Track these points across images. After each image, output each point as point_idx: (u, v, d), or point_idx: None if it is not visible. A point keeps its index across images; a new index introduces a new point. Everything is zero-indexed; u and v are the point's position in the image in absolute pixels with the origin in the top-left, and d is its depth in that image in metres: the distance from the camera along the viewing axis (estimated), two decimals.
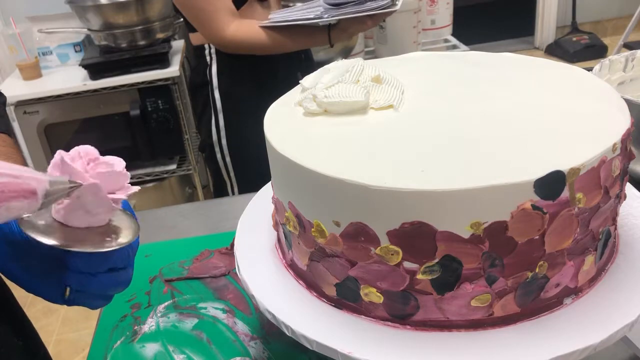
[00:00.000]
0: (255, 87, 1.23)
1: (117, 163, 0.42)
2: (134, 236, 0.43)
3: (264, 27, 1.13)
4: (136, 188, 0.44)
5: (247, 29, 1.14)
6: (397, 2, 1.06)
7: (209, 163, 1.36)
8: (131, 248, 0.46)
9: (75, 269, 0.44)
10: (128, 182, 0.43)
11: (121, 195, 0.42)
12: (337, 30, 1.13)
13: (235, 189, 1.34)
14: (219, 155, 1.29)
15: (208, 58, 1.24)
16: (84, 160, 0.41)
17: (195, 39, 1.25)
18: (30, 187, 0.35)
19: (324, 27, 1.14)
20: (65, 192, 0.39)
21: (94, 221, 0.42)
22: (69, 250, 0.41)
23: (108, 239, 0.42)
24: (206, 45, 1.23)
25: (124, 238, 0.43)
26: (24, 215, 0.38)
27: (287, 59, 1.22)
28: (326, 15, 1.07)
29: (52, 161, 0.41)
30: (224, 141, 1.27)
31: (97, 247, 0.41)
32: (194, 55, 1.29)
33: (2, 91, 0.71)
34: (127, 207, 0.47)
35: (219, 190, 1.38)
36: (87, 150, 0.42)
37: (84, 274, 0.44)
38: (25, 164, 0.60)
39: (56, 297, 0.46)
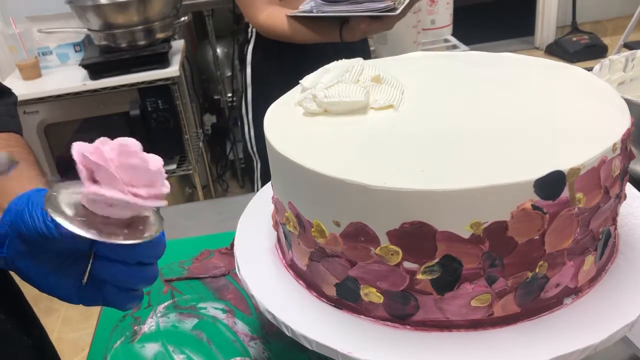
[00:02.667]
0: (285, 67, 1.28)
1: (152, 161, 0.41)
2: (156, 232, 0.42)
3: (290, 17, 1.16)
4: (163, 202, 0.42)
5: (276, 17, 1.18)
6: (398, 7, 1.06)
7: (241, 135, 1.44)
8: (161, 245, 0.45)
9: (105, 256, 0.43)
10: (163, 181, 0.42)
11: (144, 195, 0.40)
12: (347, 28, 1.15)
13: (259, 164, 1.39)
14: (245, 128, 1.37)
15: (249, 35, 1.30)
16: (113, 150, 0.40)
17: None
18: None
19: (337, 24, 1.16)
20: (5, 167, 0.38)
21: (114, 213, 0.41)
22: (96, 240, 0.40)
23: (133, 231, 0.41)
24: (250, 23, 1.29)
25: (147, 233, 0.42)
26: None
27: (317, 45, 1.24)
28: (315, 10, 1.09)
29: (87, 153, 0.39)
30: (250, 115, 1.34)
31: (127, 239, 0.40)
32: (243, 31, 1.37)
33: (13, 91, 0.70)
34: None
35: (248, 164, 1.44)
36: (126, 142, 0.41)
37: (114, 262, 0.43)
38: (38, 164, 0.60)
39: (71, 294, 0.45)
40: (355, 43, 1.25)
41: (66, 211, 0.40)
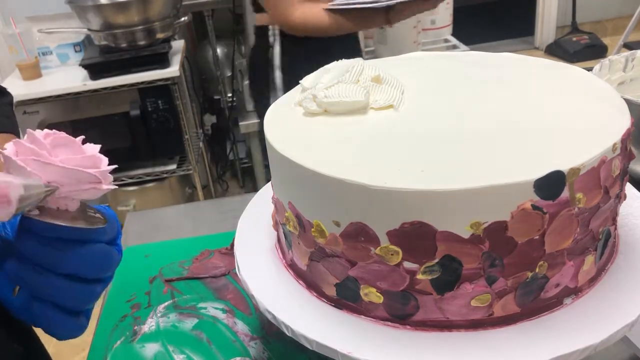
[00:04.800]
0: (314, 69, 1.29)
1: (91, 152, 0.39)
2: (95, 225, 0.38)
3: (328, 10, 1.19)
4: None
5: (312, 12, 1.21)
6: None
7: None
8: (88, 259, 0.39)
9: (22, 254, 0.37)
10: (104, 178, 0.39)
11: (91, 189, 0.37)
12: (394, 12, 1.18)
13: None
14: None
15: (271, 38, 1.32)
16: (49, 144, 0.37)
17: (260, 19, 1.33)
18: (3, 192, 0.32)
19: (382, 9, 1.19)
20: (42, 196, 0.35)
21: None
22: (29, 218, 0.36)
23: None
24: (270, 27, 1.30)
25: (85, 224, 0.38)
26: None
27: (343, 42, 1.28)
28: (357, 3, 1.14)
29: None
30: None
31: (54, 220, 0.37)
32: (256, 35, 1.38)
33: (8, 90, 0.69)
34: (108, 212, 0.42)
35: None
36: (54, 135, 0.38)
37: (32, 267, 0.37)
38: None
39: (15, 307, 0.40)
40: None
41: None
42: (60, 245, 0.38)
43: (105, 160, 0.39)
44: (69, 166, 0.37)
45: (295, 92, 0.58)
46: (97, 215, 0.41)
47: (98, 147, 0.39)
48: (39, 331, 0.64)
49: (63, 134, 0.38)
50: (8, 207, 0.33)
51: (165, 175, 2.01)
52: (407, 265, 0.43)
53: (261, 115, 1.40)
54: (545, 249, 0.42)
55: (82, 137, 0.39)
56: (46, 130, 0.39)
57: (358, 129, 0.49)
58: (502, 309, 0.44)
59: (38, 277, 0.37)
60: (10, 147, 0.37)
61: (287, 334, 0.47)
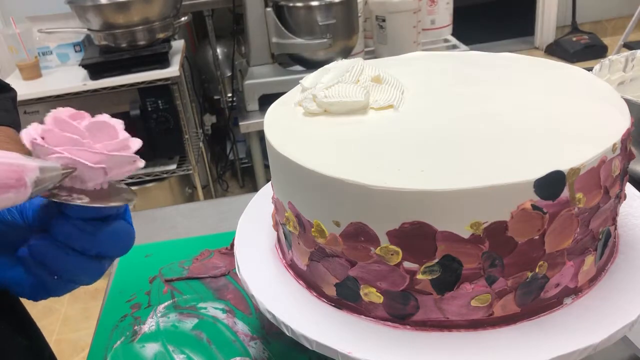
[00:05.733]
0: None
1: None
2: (120, 203, 0.38)
3: None
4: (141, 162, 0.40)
5: None
6: None
7: None
8: (115, 238, 0.40)
9: (55, 237, 0.38)
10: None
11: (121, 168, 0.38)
12: None
13: None
14: None
15: None
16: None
17: None
18: (18, 175, 0.32)
19: None
20: (59, 178, 0.35)
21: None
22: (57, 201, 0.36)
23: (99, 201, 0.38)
24: None
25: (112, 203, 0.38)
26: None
27: None
28: None
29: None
30: None
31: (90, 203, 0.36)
32: None
33: (11, 86, 0.69)
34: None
35: None
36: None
37: (64, 251, 0.38)
38: None
39: (21, 281, 0.40)
40: None
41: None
42: (95, 225, 0.38)
43: (128, 135, 0.39)
44: (113, 153, 0.37)
45: (295, 92, 0.58)
46: (122, 186, 0.41)
47: (122, 122, 0.40)
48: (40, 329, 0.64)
49: (94, 119, 0.38)
50: (24, 190, 0.32)
51: (165, 175, 2.01)
52: (407, 265, 0.43)
53: None
54: (545, 249, 0.42)
55: (107, 115, 0.39)
56: (69, 109, 0.38)
57: (358, 129, 0.49)
58: (502, 309, 0.44)
59: (66, 258, 0.38)
60: (33, 131, 0.36)
61: (287, 334, 0.47)
